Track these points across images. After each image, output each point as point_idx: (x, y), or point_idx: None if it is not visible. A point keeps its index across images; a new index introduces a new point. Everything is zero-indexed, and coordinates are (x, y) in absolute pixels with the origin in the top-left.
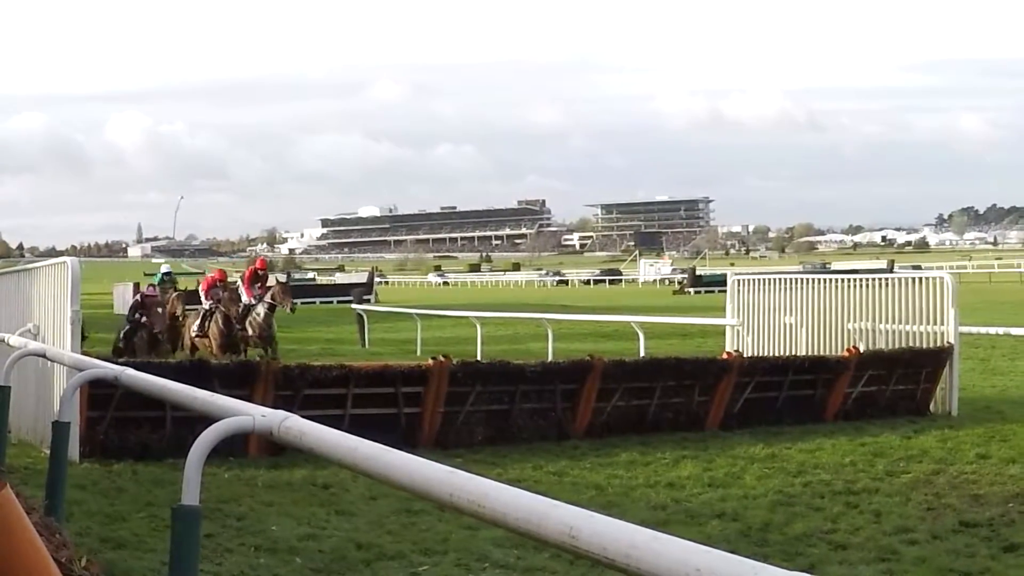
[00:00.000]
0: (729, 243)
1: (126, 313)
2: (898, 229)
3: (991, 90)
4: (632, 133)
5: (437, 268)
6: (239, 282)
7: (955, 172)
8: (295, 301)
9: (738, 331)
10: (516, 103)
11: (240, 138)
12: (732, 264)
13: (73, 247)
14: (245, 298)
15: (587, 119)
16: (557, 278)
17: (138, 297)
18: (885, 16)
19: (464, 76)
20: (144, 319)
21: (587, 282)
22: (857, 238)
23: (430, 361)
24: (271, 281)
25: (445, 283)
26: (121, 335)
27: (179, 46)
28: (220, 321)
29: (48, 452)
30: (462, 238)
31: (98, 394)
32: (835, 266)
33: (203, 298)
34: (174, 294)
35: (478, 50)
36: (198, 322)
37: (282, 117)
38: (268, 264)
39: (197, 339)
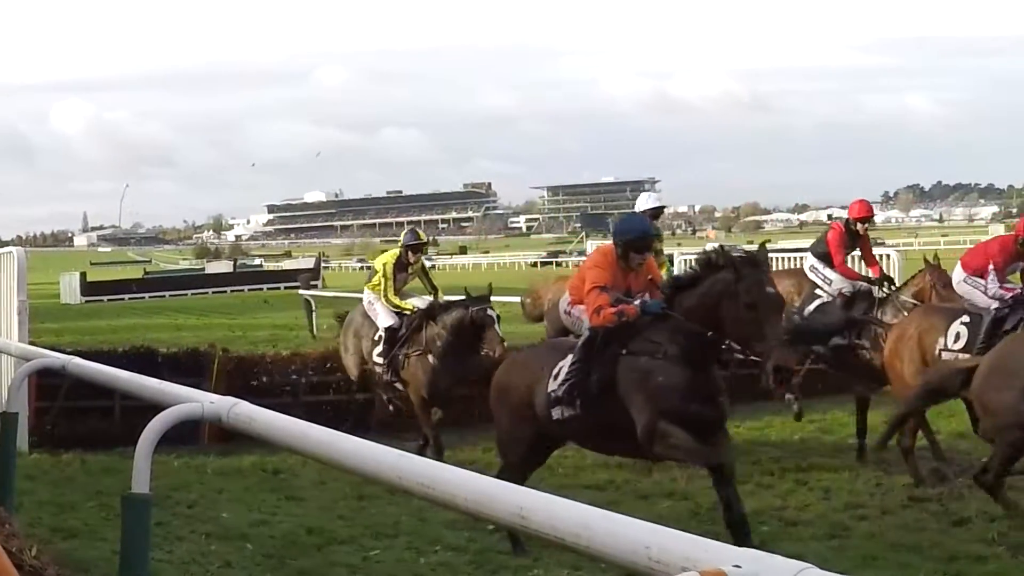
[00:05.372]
0: (676, 223)
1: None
2: (844, 207)
3: (937, 69)
4: (579, 116)
5: (384, 252)
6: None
7: (901, 150)
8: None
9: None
10: (462, 87)
11: (185, 126)
12: (679, 244)
13: (19, 237)
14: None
15: (534, 103)
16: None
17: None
18: None
19: (411, 61)
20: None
21: (534, 264)
22: (803, 217)
23: None
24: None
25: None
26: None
27: (123, 34)
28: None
29: None
30: (408, 222)
31: (47, 384)
32: (781, 245)
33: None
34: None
35: (424, 35)
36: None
37: (227, 104)
38: (215, 251)
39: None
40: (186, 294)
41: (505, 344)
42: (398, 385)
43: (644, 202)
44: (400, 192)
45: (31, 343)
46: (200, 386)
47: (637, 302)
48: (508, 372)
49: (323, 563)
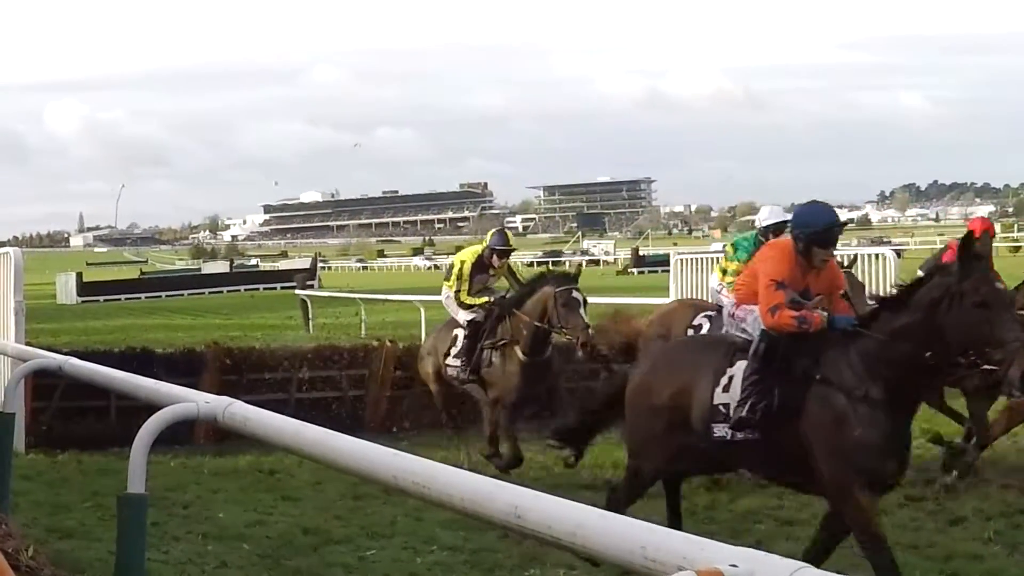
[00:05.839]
0: (672, 223)
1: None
2: (840, 206)
3: (933, 67)
4: (573, 115)
5: (380, 253)
6: None
7: (897, 149)
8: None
9: None
10: (456, 87)
11: (180, 126)
12: (675, 244)
13: (15, 237)
14: None
15: (528, 102)
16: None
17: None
18: None
19: (405, 61)
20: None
21: (530, 264)
22: None
23: (375, 343)
24: None
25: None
26: None
27: (117, 34)
28: None
29: None
30: (404, 222)
31: (43, 384)
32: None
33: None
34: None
35: (419, 35)
36: None
37: (222, 104)
38: (211, 251)
39: None
40: (182, 294)
41: (590, 331)
42: (472, 390)
43: (767, 215)
44: (396, 192)
45: (27, 344)
46: (196, 386)
47: (822, 311)
48: (653, 369)
49: (319, 563)
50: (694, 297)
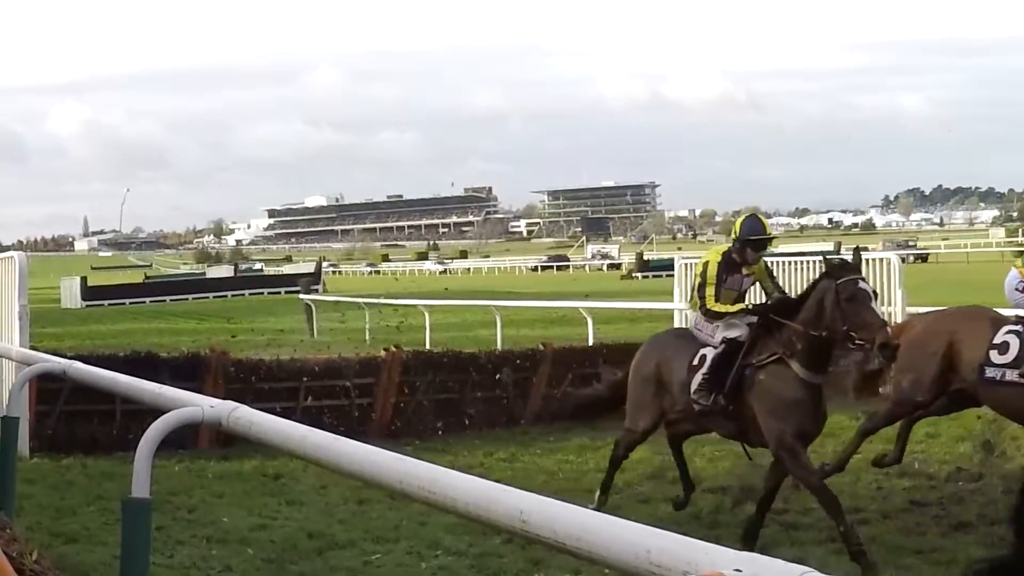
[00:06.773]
0: (676, 227)
1: None
2: (844, 210)
3: (934, 69)
4: (574, 116)
5: (385, 257)
6: None
7: (901, 153)
8: None
9: (686, 315)
10: (456, 88)
11: (181, 127)
12: (679, 248)
13: (19, 241)
14: None
15: (527, 103)
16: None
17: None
18: None
19: (406, 62)
20: None
21: (535, 268)
22: (804, 220)
23: (383, 352)
24: None
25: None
26: None
27: (116, 34)
28: None
29: None
30: (409, 226)
31: (47, 388)
32: (782, 249)
33: None
34: None
35: (415, 35)
36: None
37: (224, 105)
38: (216, 255)
39: None
40: (187, 298)
41: (889, 329)
42: (713, 423)
43: None
44: (400, 196)
45: (32, 348)
46: (201, 390)
47: None
48: None
49: (323, 567)
50: None
